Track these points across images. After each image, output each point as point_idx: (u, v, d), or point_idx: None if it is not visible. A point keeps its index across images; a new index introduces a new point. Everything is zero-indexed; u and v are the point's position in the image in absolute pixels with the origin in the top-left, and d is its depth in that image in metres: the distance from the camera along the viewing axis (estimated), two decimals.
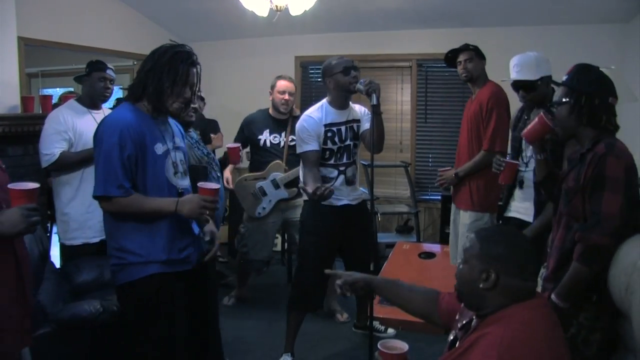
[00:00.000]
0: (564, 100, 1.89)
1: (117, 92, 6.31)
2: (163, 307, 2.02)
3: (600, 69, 3.64)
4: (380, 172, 5.21)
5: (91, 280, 2.89)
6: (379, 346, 1.59)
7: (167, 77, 1.96)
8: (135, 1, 4.88)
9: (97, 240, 3.01)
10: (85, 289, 2.83)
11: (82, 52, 4.49)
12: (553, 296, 1.81)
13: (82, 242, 3.01)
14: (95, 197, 1.94)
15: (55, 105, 3.89)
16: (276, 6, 3.76)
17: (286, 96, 3.61)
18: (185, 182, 2.14)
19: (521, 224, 2.66)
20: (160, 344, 2.01)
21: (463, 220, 3.19)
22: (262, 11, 3.82)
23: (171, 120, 2.18)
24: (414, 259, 4.27)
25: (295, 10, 3.84)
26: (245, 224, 3.77)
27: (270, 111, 3.73)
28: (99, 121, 2.98)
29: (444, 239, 4.39)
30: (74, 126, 2.96)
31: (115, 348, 2.12)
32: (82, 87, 3.15)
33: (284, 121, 3.68)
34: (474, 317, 1.48)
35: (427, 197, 5.27)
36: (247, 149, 3.86)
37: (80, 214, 3.00)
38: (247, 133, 3.74)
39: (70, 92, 4.85)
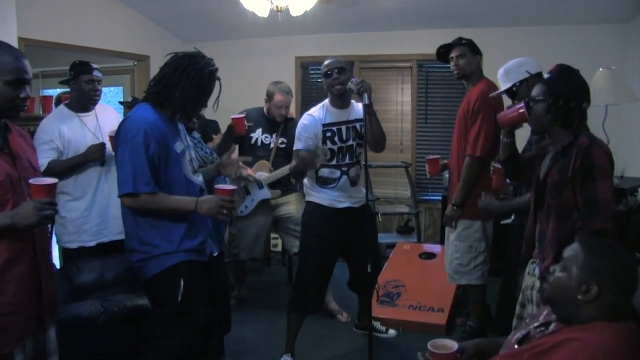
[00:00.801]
0: (541, 98, 1.96)
1: (119, 94, 6.33)
2: (196, 292, 2.08)
3: (601, 69, 3.67)
4: (381, 172, 5.21)
5: (92, 281, 2.90)
6: (428, 346, 1.60)
7: (204, 95, 2.13)
8: (136, 2, 4.88)
9: (93, 243, 3.03)
10: (86, 290, 2.83)
11: (83, 52, 4.49)
12: None
13: (78, 245, 3.02)
14: (122, 194, 2.00)
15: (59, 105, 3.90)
16: (277, 7, 3.76)
17: (282, 111, 3.62)
18: (200, 179, 2.23)
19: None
20: (197, 330, 2.08)
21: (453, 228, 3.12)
22: (263, 12, 3.83)
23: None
24: (415, 259, 4.28)
25: (296, 11, 3.85)
26: (235, 225, 3.76)
27: (265, 111, 3.72)
28: (88, 125, 3.06)
29: (444, 240, 4.38)
30: (61, 134, 2.94)
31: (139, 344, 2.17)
32: (70, 90, 3.12)
33: (277, 122, 3.68)
34: (552, 322, 1.49)
35: (428, 198, 5.27)
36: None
37: (76, 217, 3.01)
38: None
39: (67, 93, 4.85)
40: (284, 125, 3.68)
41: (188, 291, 2.05)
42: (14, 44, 3.45)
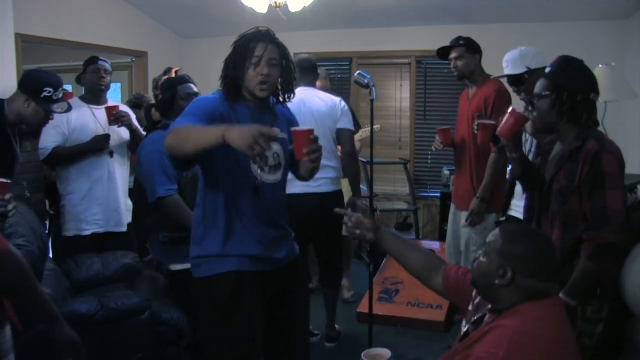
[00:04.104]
0: (544, 93, 1.85)
1: (117, 90, 6.31)
2: (240, 306, 1.90)
3: (600, 65, 3.65)
4: (379, 169, 5.21)
5: (90, 277, 2.89)
6: (362, 356, 1.68)
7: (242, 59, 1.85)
8: None
9: (88, 232, 3.06)
10: (84, 286, 2.83)
11: (80, 49, 4.48)
12: (562, 295, 1.79)
13: (73, 233, 3.05)
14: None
15: None
16: (275, 2, 3.75)
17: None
18: (271, 177, 1.95)
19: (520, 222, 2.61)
20: (236, 345, 1.89)
21: (464, 222, 3.07)
22: (261, 7, 3.82)
23: (280, 110, 2.03)
24: None
25: (294, 7, 3.84)
26: None
27: None
28: (98, 117, 3.08)
29: (443, 236, 4.38)
30: (68, 121, 3.00)
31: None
32: (84, 85, 3.21)
33: None
34: (487, 313, 1.50)
35: (426, 194, 5.26)
36: None
37: (73, 206, 3.04)
38: None
39: (64, 90, 4.83)
40: None
41: (228, 303, 1.92)
42: (11, 40, 3.45)
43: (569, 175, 1.81)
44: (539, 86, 1.89)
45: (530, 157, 2.56)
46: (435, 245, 4.45)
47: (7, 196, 1.59)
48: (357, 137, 3.66)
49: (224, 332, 1.90)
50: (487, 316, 1.49)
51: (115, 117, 2.98)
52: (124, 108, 3.25)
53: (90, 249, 3.05)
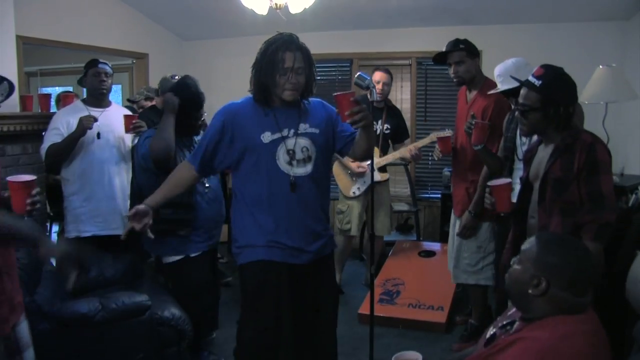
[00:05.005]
0: (538, 106, 1.97)
1: (118, 92, 6.32)
2: (266, 295, 2.03)
3: (601, 66, 3.64)
4: None
5: (91, 279, 2.89)
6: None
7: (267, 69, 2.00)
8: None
9: (89, 234, 3.07)
10: (84, 288, 2.83)
11: (81, 50, 4.49)
12: None
13: (74, 235, 3.08)
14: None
15: (59, 105, 3.98)
16: (276, 4, 3.75)
17: (380, 85, 3.78)
18: (301, 170, 2.05)
19: None
20: (262, 332, 2.03)
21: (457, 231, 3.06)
22: (262, 9, 3.82)
23: (315, 102, 2.18)
24: (414, 257, 4.27)
25: (295, 8, 3.84)
26: (344, 202, 4.06)
27: (368, 96, 3.81)
28: (98, 120, 3.08)
29: (444, 238, 4.38)
30: (68, 122, 3.03)
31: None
32: (86, 88, 3.27)
33: (380, 109, 3.88)
34: (516, 320, 1.49)
35: (427, 196, 5.26)
36: None
37: (74, 207, 3.08)
38: None
39: (68, 92, 4.85)
40: (386, 112, 3.89)
41: (255, 291, 2.07)
42: (12, 42, 3.46)
43: (565, 165, 1.95)
44: (527, 97, 2.00)
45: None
46: (436, 246, 4.44)
47: (34, 191, 1.72)
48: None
49: (251, 318, 2.05)
50: (517, 323, 1.48)
51: (134, 126, 3.06)
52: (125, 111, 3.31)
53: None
